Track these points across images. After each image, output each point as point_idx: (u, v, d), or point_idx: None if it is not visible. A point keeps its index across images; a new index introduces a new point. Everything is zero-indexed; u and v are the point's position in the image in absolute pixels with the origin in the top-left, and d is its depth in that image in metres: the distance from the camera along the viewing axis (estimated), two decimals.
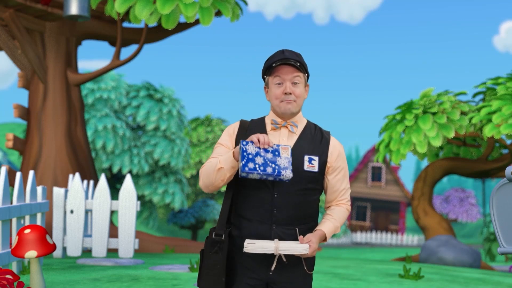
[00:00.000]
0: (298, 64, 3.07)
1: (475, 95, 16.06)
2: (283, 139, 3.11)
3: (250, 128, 3.16)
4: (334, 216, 3.16)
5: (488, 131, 13.52)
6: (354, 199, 63.43)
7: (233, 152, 2.99)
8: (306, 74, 3.14)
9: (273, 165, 2.93)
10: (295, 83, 3.08)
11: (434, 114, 15.03)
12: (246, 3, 12.57)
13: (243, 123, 3.17)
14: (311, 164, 3.07)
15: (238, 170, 3.06)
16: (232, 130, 3.17)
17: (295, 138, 3.11)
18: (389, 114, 15.84)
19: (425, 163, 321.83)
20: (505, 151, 17.42)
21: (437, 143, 14.54)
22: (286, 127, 3.12)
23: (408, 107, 15.49)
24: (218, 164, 3.02)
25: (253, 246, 2.91)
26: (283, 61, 3.05)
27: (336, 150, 3.16)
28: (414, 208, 16.05)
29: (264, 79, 3.18)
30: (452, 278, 8.73)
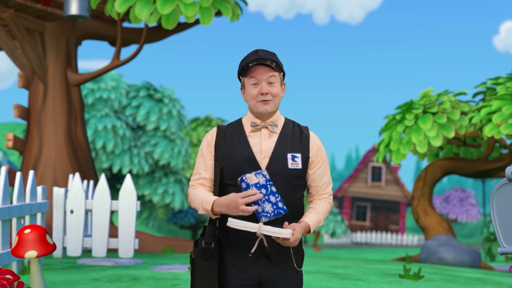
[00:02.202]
0: (274, 64, 3.08)
1: (475, 95, 16.05)
2: (264, 140, 3.12)
3: (228, 132, 3.16)
4: (318, 209, 3.17)
5: (488, 131, 13.52)
6: (354, 199, 63.41)
7: (212, 209, 3.05)
8: (282, 73, 3.15)
9: (270, 205, 3.01)
10: (271, 83, 3.09)
11: (434, 114, 15.03)
12: (246, 3, 12.57)
13: (220, 129, 3.17)
14: (294, 162, 3.10)
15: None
16: (210, 137, 3.18)
17: (275, 137, 3.13)
18: (389, 114, 15.84)
19: (425, 163, 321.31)
20: (505, 151, 17.42)
21: (437, 143, 14.54)
22: (266, 127, 3.13)
23: (408, 107, 15.48)
24: (201, 206, 3.09)
25: (237, 222, 2.92)
26: (258, 62, 3.05)
27: (316, 145, 3.18)
28: (414, 208, 16.05)
29: (240, 80, 3.19)
30: (452, 278, 8.73)
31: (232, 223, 2.92)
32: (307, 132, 3.19)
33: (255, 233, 3.05)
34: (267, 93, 3.07)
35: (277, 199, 2.99)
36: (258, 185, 2.97)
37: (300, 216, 3.15)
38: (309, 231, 3.10)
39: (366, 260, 12.04)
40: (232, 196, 2.95)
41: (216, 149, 3.14)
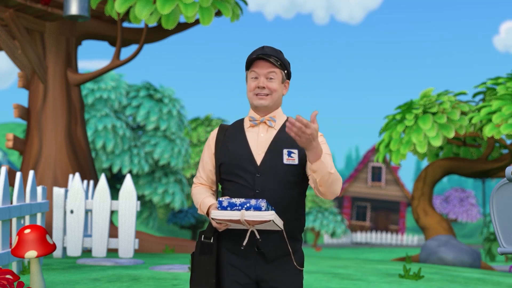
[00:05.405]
0: (277, 61, 3.09)
1: (475, 95, 16.06)
2: (261, 134, 3.13)
3: (229, 130, 3.20)
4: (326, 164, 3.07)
5: (488, 131, 13.52)
6: (354, 199, 63.40)
7: (208, 213, 3.13)
8: (286, 71, 3.15)
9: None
10: (270, 78, 3.10)
11: (434, 114, 15.03)
12: (246, 3, 12.57)
13: (221, 127, 3.22)
14: (290, 157, 3.08)
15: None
16: (212, 136, 3.24)
17: (274, 132, 3.14)
18: (389, 114, 15.84)
19: (425, 163, 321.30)
20: (505, 151, 17.42)
21: (437, 143, 14.54)
22: (265, 122, 3.14)
23: (408, 107, 15.48)
24: (200, 208, 3.18)
25: (220, 214, 2.94)
26: (260, 56, 3.09)
27: None
28: (414, 208, 16.05)
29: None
30: (452, 278, 8.73)
31: (215, 215, 2.94)
32: None
33: (250, 231, 3.06)
34: (264, 87, 3.09)
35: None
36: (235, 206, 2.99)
37: (296, 214, 3.12)
38: (319, 158, 2.91)
39: (366, 260, 12.04)
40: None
41: (216, 146, 3.18)
